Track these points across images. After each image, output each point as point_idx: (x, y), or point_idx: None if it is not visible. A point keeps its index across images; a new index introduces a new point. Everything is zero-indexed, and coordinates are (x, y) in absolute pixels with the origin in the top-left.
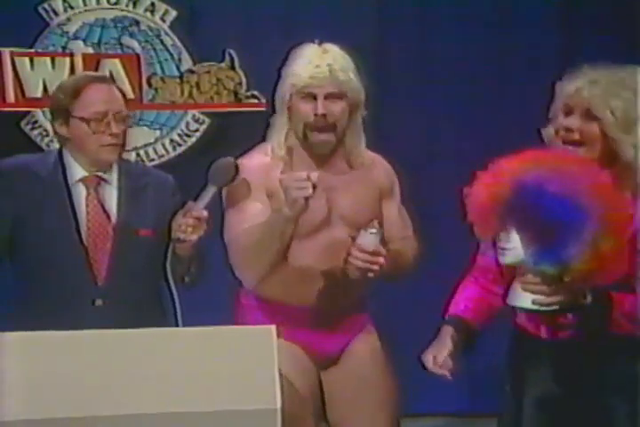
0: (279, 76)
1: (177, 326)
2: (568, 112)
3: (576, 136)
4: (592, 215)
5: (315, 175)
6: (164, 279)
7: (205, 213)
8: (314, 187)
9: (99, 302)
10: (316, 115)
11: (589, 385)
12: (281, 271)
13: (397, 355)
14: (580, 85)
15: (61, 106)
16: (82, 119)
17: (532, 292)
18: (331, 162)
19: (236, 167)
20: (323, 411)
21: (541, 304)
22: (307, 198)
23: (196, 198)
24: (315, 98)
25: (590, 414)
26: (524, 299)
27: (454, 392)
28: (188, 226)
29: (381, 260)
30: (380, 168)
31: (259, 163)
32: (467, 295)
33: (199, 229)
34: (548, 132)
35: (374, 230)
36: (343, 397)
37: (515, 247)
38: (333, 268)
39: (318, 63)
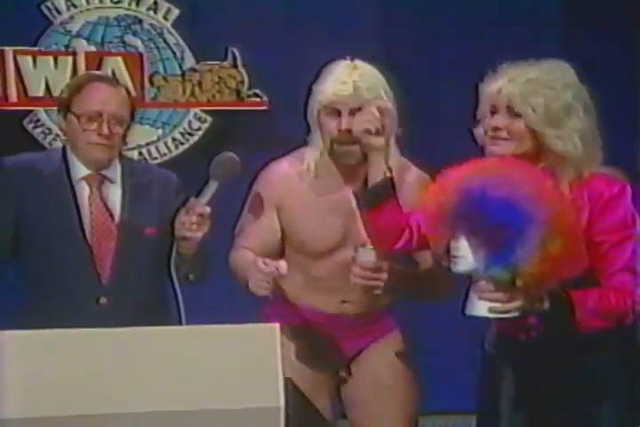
0: (309, 91)
1: (180, 324)
2: (493, 111)
3: (504, 134)
4: (537, 219)
5: (283, 267)
6: (168, 278)
7: (209, 210)
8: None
9: (103, 301)
10: (339, 130)
11: (562, 383)
12: (300, 282)
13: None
14: (500, 85)
15: (63, 101)
16: (75, 115)
17: (488, 300)
18: (358, 177)
19: (237, 162)
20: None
21: (498, 312)
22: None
23: (197, 195)
24: (339, 114)
25: (567, 414)
26: (480, 307)
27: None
28: (193, 223)
29: (384, 275)
30: (407, 186)
31: (281, 173)
32: None
33: (204, 226)
34: (479, 132)
35: (372, 246)
36: (362, 399)
37: (465, 255)
38: (350, 285)
39: (345, 80)
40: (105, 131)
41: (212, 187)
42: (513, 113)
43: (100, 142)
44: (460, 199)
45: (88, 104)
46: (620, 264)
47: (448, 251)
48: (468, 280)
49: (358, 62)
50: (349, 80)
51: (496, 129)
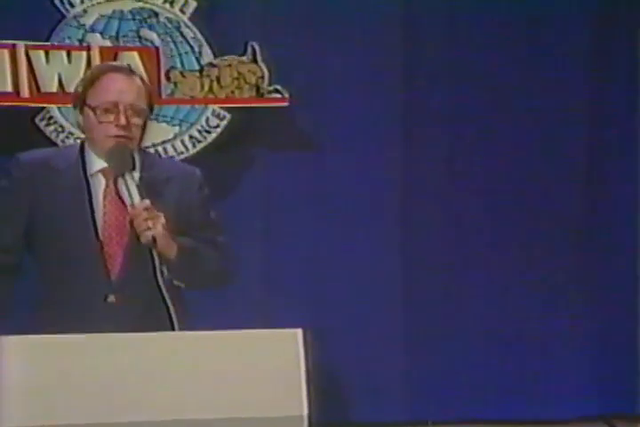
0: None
1: (173, 330)
2: None
3: None
4: None
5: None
6: (156, 285)
7: (148, 201)
8: None
9: (111, 299)
10: None
11: None
12: None
13: None
14: None
15: (79, 95)
16: (91, 108)
17: None
18: None
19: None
20: None
21: None
22: None
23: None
24: None
25: None
26: None
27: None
28: (145, 219)
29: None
30: None
31: None
32: None
33: (158, 217)
34: None
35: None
36: None
37: None
38: None
39: None
40: (122, 121)
41: (130, 181)
42: None
43: (118, 134)
44: None
45: (104, 95)
46: None
47: None
48: None
49: None
50: None
51: None
